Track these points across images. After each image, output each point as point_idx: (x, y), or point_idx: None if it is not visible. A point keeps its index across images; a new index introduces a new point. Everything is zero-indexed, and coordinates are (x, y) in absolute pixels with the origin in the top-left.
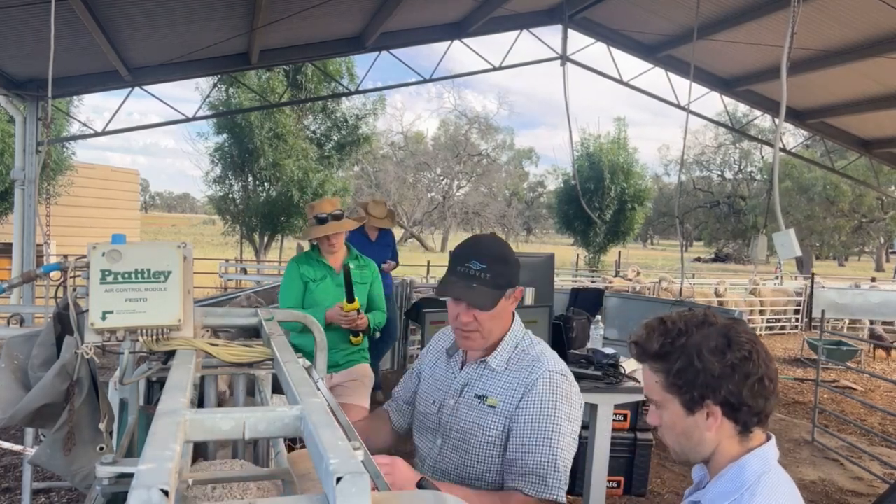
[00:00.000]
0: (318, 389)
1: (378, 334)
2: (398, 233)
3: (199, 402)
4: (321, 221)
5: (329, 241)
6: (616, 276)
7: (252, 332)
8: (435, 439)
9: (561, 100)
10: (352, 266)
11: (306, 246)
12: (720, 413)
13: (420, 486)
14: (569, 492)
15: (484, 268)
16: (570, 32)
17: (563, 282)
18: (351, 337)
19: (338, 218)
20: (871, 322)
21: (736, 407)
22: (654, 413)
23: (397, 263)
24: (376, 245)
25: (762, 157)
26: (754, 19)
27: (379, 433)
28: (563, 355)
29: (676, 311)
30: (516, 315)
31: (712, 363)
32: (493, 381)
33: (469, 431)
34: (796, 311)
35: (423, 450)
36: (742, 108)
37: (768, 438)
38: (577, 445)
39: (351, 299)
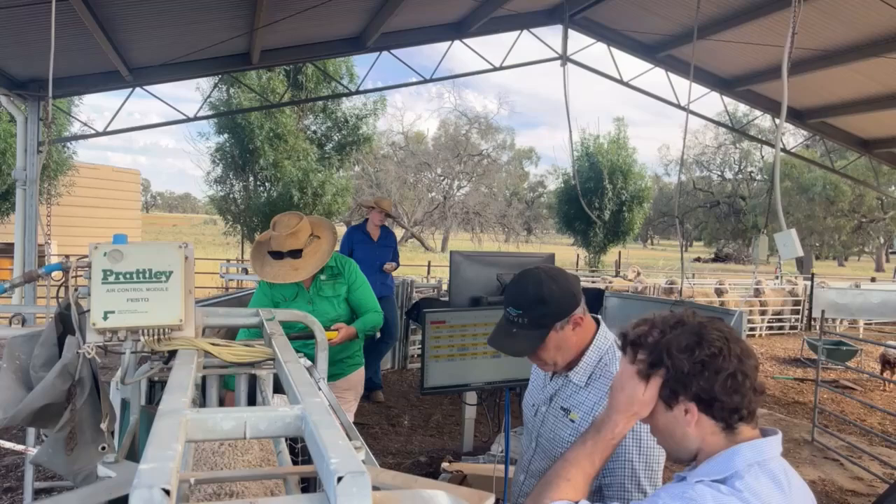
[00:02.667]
0: (320, 389)
1: (378, 334)
2: (399, 233)
3: (201, 402)
4: (276, 257)
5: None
6: (616, 276)
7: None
8: (531, 441)
9: (561, 100)
10: (323, 277)
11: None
12: (696, 409)
13: None
14: None
15: (520, 313)
16: (571, 32)
17: None
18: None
19: (296, 255)
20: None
21: (709, 402)
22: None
23: (398, 265)
24: (378, 245)
25: (762, 157)
26: (754, 19)
27: None
28: None
29: (659, 312)
30: (602, 326)
31: (681, 361)
32: (577, 395)
33: (553, 441)
34: (794, 312)
35: (522, 446)
36: (742, 108)
37: (765, 435)
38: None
39: None
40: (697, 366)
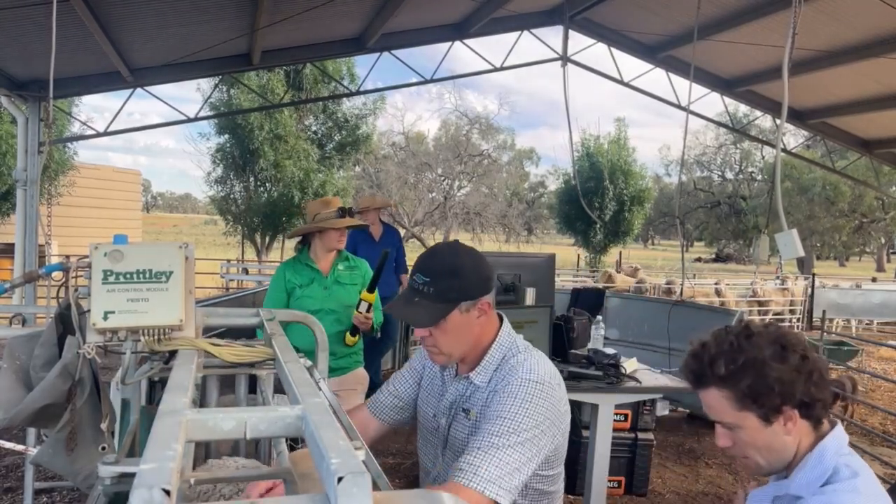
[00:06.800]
0: (320, 389)
1: (378, 334)
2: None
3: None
4: (343, 214)
5: (339, 238)
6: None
7: (253, 332)
8: (437, 454)
9: (561, 100)
10: (340, 267)
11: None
12: (798, 416)
13: None
14: (569, 492)
15: (428, 281)
16: (571, 33)
17: (564, 282)
18: (347, 335)
19: (353, 214)
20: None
21: (810, 405)
22: (725, 435)
23: (407, 270)
24: (380, 245)
25: (763, 157)
26: (755, 20)
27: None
28: (564, 355)
29: (713, 331)
30: (506, 323)
31: (781, 370)
32: (476, 394)
33: (462, 448)
34: (791, 311)
35: (426, 463)
36: (743, 109)
37: (833, 425)
38: (542, 454)
39: (371, 289)
40: (795, 373)
